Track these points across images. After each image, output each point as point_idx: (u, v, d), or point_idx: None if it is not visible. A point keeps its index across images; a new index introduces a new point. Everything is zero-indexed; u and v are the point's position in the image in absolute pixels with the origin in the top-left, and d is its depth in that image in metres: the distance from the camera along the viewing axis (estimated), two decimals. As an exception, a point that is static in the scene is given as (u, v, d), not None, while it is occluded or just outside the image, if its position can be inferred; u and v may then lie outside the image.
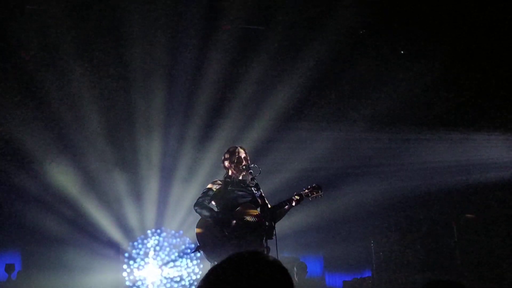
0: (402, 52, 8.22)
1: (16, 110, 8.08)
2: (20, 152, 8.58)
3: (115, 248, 9.25)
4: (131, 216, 9.33)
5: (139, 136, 8.83)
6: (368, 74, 8.52)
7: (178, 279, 9.15)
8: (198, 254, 9.10)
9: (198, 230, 5.59)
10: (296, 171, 8.98)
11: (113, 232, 9.23)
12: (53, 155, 8.68)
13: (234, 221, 5.41)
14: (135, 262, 9.11)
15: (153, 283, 9.03)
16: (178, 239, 9.35)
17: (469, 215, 9.03)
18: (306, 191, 5.52)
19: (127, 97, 8.41)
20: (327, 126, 9.16)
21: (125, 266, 9.08)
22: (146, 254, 9.18)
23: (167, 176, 9.32)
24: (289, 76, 8.35)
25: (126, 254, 9.13)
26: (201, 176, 8.63)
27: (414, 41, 8.01)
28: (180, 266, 9.24)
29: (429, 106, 8.94)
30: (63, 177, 8.87)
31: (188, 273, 9.21)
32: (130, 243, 9.22)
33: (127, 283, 9.00)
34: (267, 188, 6.22)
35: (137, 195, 9.34)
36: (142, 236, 9.26)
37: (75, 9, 7.09)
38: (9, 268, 8.87)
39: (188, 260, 9.28)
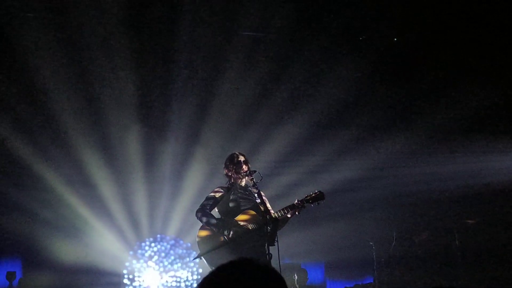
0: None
1: None
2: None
3: (122, 242, 9.25)
4: (142, 214, 9.32)
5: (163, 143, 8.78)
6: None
7: (174, 289, 9.15)
8: (201, 270, 9.17)
9: (199, 237, 5.59)
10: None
11: (124, 226, 9.22)
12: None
13: (235, 228, 5.41)
14: (138, 262, 9.13)
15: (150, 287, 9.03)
16: (184, 250, 9.36)
17: (470, 221, 9.03)
18: (308, 197, 5.51)
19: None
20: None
21: (127, 264, 9.10)
22: (150, 257, 9.20)
23: (179, 186, 9.25)
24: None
25: (131, 252, 9.14)
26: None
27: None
28: (180, 277, 9.22)
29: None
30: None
31: (186, 286, 9.20)
32: (137, 242, 9.24)
33: (125, 280, 9.02)
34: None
35: (151, 196, 9.31)
36: (151, 239, 9.31)
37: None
38: (10, 276, 8.86)
39: (189, 274, 9.28)
